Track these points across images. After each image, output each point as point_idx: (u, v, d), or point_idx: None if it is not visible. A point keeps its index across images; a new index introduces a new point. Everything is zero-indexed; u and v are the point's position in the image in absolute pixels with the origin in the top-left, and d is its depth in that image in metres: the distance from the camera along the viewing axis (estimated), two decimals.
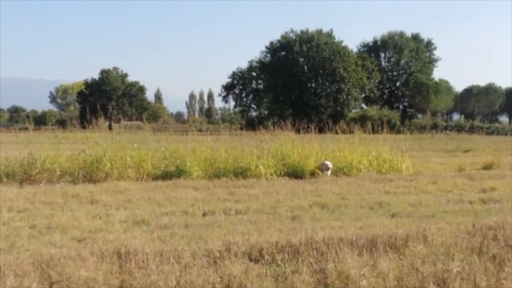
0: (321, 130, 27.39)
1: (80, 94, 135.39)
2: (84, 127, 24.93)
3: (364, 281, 7.28)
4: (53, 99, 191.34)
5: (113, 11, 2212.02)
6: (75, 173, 18.78)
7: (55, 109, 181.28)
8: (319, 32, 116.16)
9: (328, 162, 21.04)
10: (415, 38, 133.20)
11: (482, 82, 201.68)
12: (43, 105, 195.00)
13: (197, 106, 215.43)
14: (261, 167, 20.12)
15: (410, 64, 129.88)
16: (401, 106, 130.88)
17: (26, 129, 31.68)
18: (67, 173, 18.71)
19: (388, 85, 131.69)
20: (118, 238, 9.82)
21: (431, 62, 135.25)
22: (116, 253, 8.40)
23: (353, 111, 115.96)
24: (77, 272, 7.38)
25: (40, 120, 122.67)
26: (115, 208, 13.43)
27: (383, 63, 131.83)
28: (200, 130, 47.39)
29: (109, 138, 21.85)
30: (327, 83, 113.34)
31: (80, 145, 21.68)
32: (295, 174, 20.47)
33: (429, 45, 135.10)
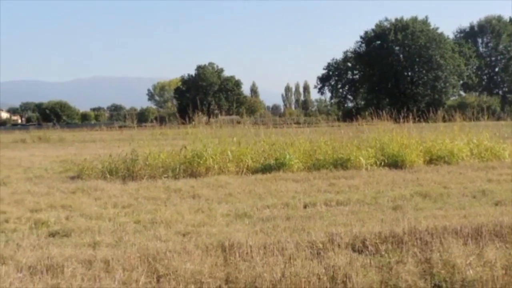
0: (419, 119, 27.03)
1: (177, 90, 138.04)
2: (183, 123, 25.23)
3: (471, 271, 7.18)
4: (151, 96, 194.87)
5: (205, 8, 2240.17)
6: (176, 168, 19.04)
7: (153, 106, 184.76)
8: (414, 19, 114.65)
9: None
10: None
11: None
12: (142, 102, 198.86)
13: (293, 99, 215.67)
14: (360, 158, 19.99)
15: (509, 48, 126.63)
16: (500, 92, 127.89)
17: (126, 126, 32.33)
18: (168, 169, 19.00)
19: (486, 71, 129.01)
20: (222, 232, 9.90)
21: None
22: (220, 246, 8.51)
23: (451, 98, 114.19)
24: (183, 265, 7.52)
25: (139, 117, 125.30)
26: (217, 202, 13.57)
27: (480, 48, 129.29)
28: (298, 123, 47.34)
29: (208, 133, 22.09)
30: (424, 71, 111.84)
31: (180, 141, 22.03)
32: (395, 164, 20.28)
33: None
